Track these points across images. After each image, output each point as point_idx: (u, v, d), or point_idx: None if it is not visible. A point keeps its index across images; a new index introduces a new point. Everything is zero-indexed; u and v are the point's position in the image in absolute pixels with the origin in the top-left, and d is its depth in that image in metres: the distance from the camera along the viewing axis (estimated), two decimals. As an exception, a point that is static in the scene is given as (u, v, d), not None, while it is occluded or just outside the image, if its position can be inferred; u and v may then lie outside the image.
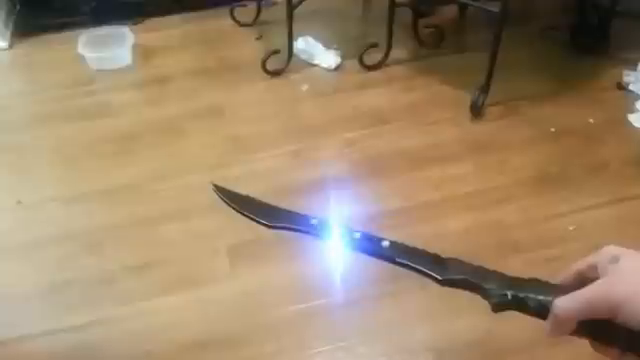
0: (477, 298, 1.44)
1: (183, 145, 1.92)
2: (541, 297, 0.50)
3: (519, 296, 0.51)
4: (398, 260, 0.59)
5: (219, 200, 1.88)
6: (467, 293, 1.41)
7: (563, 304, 0.47)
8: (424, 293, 1.39)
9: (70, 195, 1.78)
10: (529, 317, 0.51)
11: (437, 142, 1.86)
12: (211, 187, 0.70)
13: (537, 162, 1.76)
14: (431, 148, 1.83)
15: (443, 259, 0.59)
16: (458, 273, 0.56)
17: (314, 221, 0.62)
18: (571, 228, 1.54)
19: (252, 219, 0.64)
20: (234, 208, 0.66)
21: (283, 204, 1.84)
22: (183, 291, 1.48)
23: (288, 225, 0.64)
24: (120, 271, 1.54)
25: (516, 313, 0.52)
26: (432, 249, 1.61)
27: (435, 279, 0.56)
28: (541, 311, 0.49)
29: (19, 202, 1.76)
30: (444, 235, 1.54)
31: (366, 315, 1.39)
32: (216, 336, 1.37)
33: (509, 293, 0.51)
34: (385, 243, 0.59)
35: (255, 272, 1.51)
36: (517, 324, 1.34)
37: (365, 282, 1.41)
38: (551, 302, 0.48)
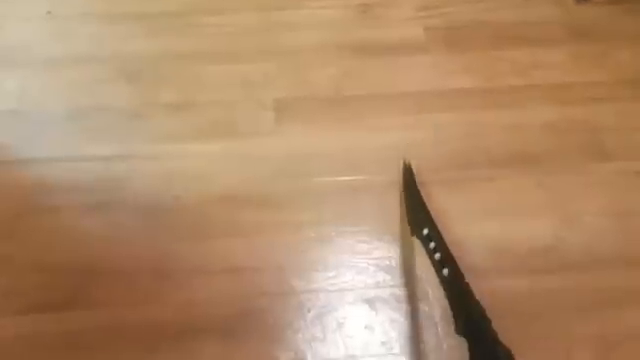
0: (548, 201, 1.25)
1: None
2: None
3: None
4: None
5: (272, 46, 1.68)
6: (537, 195, 1.24)
7: None
8: (492, 186, 1.23)
9: (108, 13, 1.59)
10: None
11: (531, 20, 1.60)
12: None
13: (643, 61, 1.52)
14: (522, 26, 1.58)
15: None
16: None
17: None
18: (672, 142, 1.33)
19: None
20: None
21: (340, 61, 1.60)
22: (219, 140, 1.32)
23: None
24: (154, 106, 1.39)
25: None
26: (510, 138, 1.42)
27: None
28: None
29: (49, 12, 1.58)
30: (523, 125, 1.34)
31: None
32: (251, 194, 1.23)
33: None
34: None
35: (301, 133, 1.34)
36: (590, 236, 1.17)
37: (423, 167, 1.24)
38: None
